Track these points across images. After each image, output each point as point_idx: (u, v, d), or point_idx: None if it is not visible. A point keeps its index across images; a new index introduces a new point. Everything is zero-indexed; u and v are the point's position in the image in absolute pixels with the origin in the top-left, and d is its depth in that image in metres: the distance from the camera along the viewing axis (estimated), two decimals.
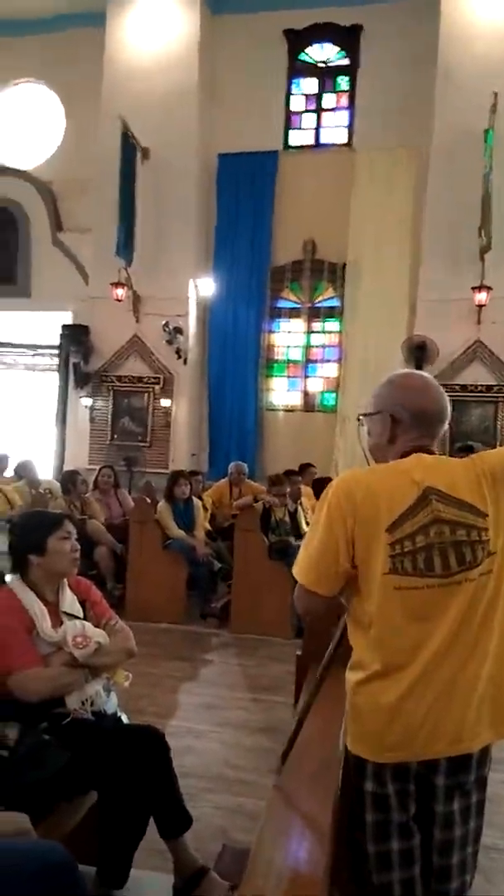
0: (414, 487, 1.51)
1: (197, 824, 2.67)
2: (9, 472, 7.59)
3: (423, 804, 1.55)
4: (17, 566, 2.29)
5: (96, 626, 2.33)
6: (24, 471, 6.92)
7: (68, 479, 6.40)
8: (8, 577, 2.30)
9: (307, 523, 6.14)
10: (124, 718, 2.39)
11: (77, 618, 2.26)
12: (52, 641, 2.17)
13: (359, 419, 1.75)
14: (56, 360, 10.62)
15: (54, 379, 10.54)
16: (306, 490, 6.87)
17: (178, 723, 3.81)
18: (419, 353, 8.92)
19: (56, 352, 10.50)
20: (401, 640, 1.50)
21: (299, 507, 6.16)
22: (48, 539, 2.27)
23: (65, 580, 2.35)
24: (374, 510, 1.50)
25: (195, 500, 6.34)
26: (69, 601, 2.31)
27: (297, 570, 1.62)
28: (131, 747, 2.16)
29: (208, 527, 6.61)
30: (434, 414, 1.64)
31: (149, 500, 6.25)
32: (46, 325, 10.40)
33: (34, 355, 11.66)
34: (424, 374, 1.78)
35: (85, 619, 2.32)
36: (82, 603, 2.36)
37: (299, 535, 5.96)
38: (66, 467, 9.44)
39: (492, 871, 2.57)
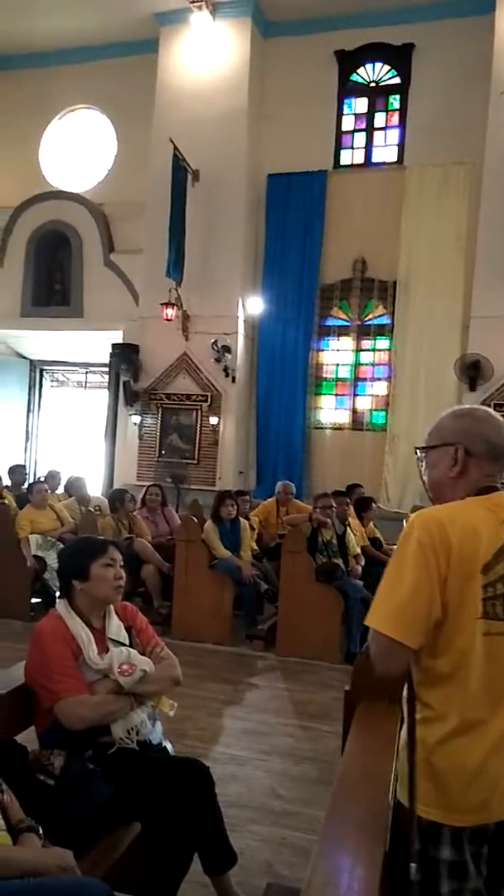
0: (502, 526, 1.46)
1: (241, 857, 2.61)
2: (60, 490, 7.74)
3: (493, 866, 1.48)
4: (63, 591, 2.30)
5: (142, 652, 2.31)
6: (73, 488, 7.03)
7: (116, 498, 6.46)
8: (58, 603, 2.31)
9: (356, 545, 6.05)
10: (170, 748, 2.35)
11: (123, 644, 2.25)
12: (99, 668, 2.16)
13: (417, 451, 1.68)
14: (106, 378, 10.81)
15: (104, 396, 10.73)
16: (351, 511, 6.77)
17: (221, 749, 3.75)
18: (473, 371, 8.75)
19: (106, 370, 10.69)
20: (484, 692, 1.43)
21: (347, 529, 6.06)
22: (91, 565, 2.26)
23: (111, 606, 2.34)
24: (470, 549, 1.43)
25: (242, 520, 6.31)
26: (115, 627, 2.30)
27: (378, 621, 1.44)
28: (176, 780, 2.12)
29: (255, 547, 6.56)
30: (501, 449, 1.59)
31: (195, 520, 6.24)
32: (98, 344, 10.61)
33: (86, 373, 11.93)
34: (490, 410, 1.70)
35: (131, 645, 2.30)
36: (128, 629, 2.35)
37: (346, 557, 5.87)
38: (115, 484, 9.56)
39: None
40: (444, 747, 1.45)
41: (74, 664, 2.15)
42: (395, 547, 1.56)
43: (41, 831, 1.76)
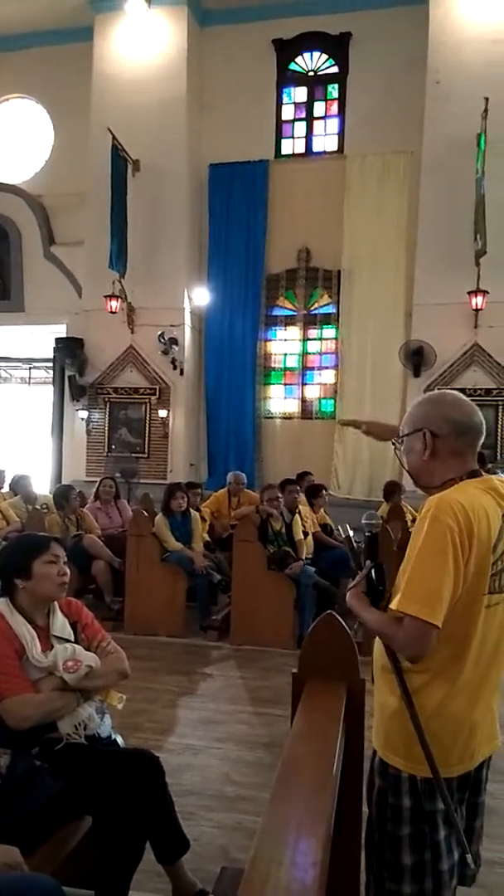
0: (499, 508, 1.59)
1: (196, 844, 2.63)
2: (5, 488, 7.57)
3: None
4: (4, 590, 2.26)
5: (88, 647, 2.29)
6: (18, 487, 6.89)
7: (62, 494, 6.36)
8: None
9: (305, 533, 6.11)
10: (119, 741, 2.34)
11: (68, 641, 2.23)
12: (43, 666, 2.13)
13: (394, 443, 1.78)
14: (51, 374, 10.62)
15: (50, 392, 10.54)
16: (303, 499, 6.84)
17: (176, 739, 3.76)
18: (416, 358, 8.93)
19: (50, 365, 10.50)
20: (476, 656, 1.56)
21: (296, 517, 6.12)
22: (34, 563, 2.23)
23: (55, 603, 2.31)
24: (485, 532, 1.53)
25: (193, 511, 6.31)
26: (60, 624, 2.27)
27: (415, 606, 1.47)
28: (125, 772, 2.12)
29: (207, 538, 6.57)
30: (474, 425, 1.67)
31: (146, 513, 6.21)
32: (41, 339, 10.42)
33: (29, 369, 11.69)
34: (455, 392, 1.78)
35: (77, 641, 2.28)
36: (73, 625, 2.32)
37: (293, 544, 5.92)
38: (64, 480, 9.42)
39: (498, 887, 2.53)
40: (441, 710, 1.56)
41: (17, 663, 2.12)
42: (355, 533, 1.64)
43: None
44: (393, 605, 1.53)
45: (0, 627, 2.16)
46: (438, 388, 8.81)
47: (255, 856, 1.39)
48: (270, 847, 1.45)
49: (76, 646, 2.21)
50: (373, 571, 1.74)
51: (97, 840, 2.11)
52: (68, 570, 2.32)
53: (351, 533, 6.58)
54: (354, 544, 6.27)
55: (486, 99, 8.17)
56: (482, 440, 1.69)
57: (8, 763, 2.03)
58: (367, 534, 1.90)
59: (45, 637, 2.21)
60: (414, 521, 1.84)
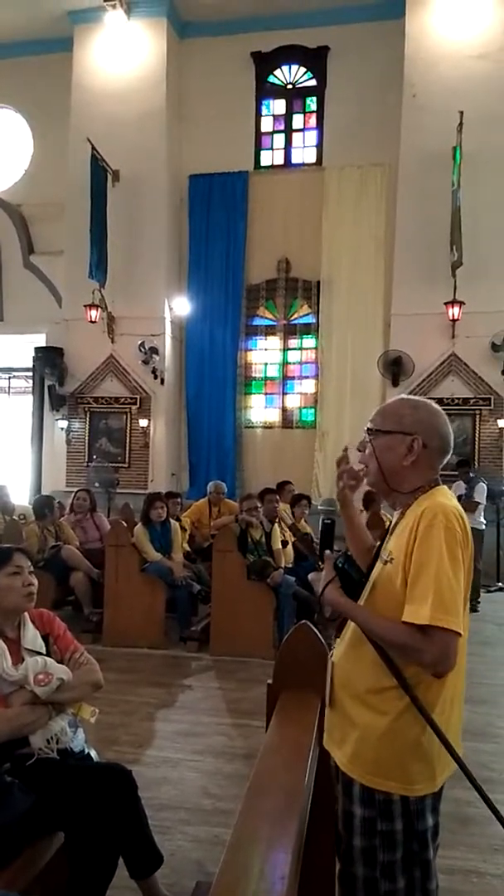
0: None
1: (172, 859, 2.61)
2: None
3: None
4: None
5: (61, 659, 2.26)
6: None
7: (42, 505, 6.30)
8: None
9: (284, 542, 6.11)
10: (93, 755, 2.32)
11: (39, 654, 2.20)
12: (13, 680, 2.10)
13: (371, 431, 1.69)
14: (30, 383, 10.55)
15: (29, 402, 10.46)
16: (284, 507, 6.84)
17: (153, 752, 3.72)
18: (395, 367, 9.01)
19: (30, 374, 10.44)
20: (462, 664, 1.56)
21: (275, 527, 6.11)
22: None
23: (26, 615, 2.28)
24: (470, 538, 1.57)
25: (173, 521, 6.28)
26: (31, 636, 2.24)
27: (446, 617, 1.43)
28: (97, 787, 2.09)
29: (187, 548, 6.54)
30: (451, 446, 1.69)
31: (125, 524, 6.17)
32: (20, 348, 10.36)
33: (9, 378, 11.59)
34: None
35: (49, 653, 2.25)
36: (45, 637, 2.30)
37: (273, 553, 5.91)
38: (44, 490, 9.35)
39: None
40: (438, 719, 1.52)
41: None
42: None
43: None
44: (420, 619, 1.45)
45: None
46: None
47: (223, 869, 1.38)
48: (240, 860, 1.44)
49: (47, 658, 2.18)
50: (345, 564, 1.69)
51: (69, 856, 2.09)
52: (35, 581, 2.28)
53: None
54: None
55: (461, 113, 8.31)
56: None
57: None
58: (323, 521, 1.83)
59: (16, 650, 2.18)
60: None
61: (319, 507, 1.87)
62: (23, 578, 2.22)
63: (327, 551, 1.75)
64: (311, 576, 1.78)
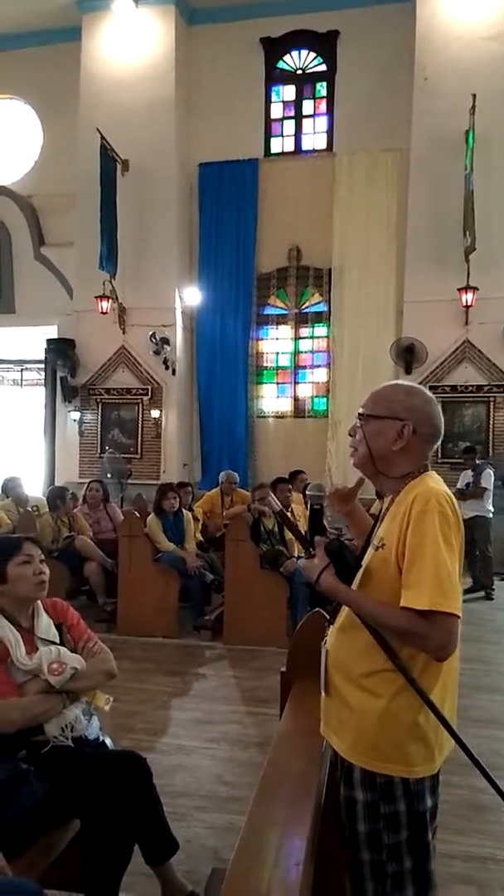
0: None
1: (188, 845, 2.62)
2: None
3: None
4: None
5: (74, 648, 2.27)
6: (9, 489, 6.85)
7: (55, 496, 6.33)
8: None
9: (291, 527, 6.09)
10: (108, 742, 2.33)
11: (53, 643, 2.21)
12: (28, 669, 2.11)
13: (361, 416, 1.69)
14: (42, 375, 10.59)
15: (42, 393, 10.51)
16: (297, 497, 6.83)
17: (169, 740, 3.74)
18: (408, 355, 8.94)
19: (42, 366, 10.47)
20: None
21: (288, 516, 6.10)
22: (7, 566, 2.20)
23: (39, 604, 2.29)
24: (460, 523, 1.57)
25: (185, 511, 6.29)
26: (45, 626, 2.25)
27: (446, 602, 1.44)
28: (112, 774, 2.10)
29: (200, 538, 6.56)
30: (441, 434, 1.70)
31: (137, 514, 6.19)
32: (32, 340, 10.38)
33: (21, 370, 11.65)
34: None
35: (62, 642, 2.26)
36: (59, 626, 2.30)
37: (285, 542, 5.90)
38: (57, 482, 9.39)
39: (487, 883, 2.52)
40: (437, 701, 1.53)
41: (2, 667, 2.10)
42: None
43: None
44: (421, 604, 1.45)
45: None
46: (429, 386, 8.85)
47: (237, 856, 1.38)
48: (254, 847, 1.44)
49: (61, 647, 2.19)
50: (340, 548, 1.67)
51: (85, 843, 2.10)
52: (46, 569, 2.28)
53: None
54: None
55: (474, 95, 8.19)
56: None
57: None
58: (312, 507, 1.81)
59: (29, 639, 2.19)
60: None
61: (308, 493, 1.84)
62: (34, 567, 2.22)
63: (318, 537, 1.72)
64: (301, 562, 1.77)
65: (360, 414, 1.70)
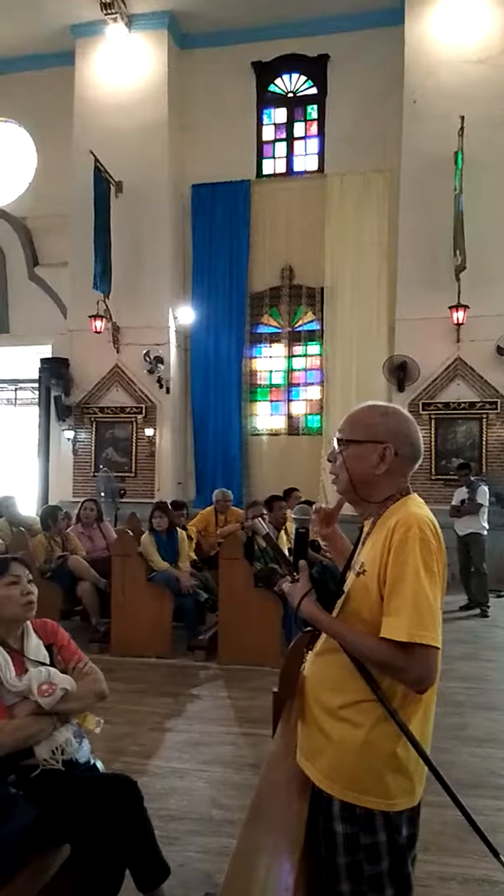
0: None
1: (181, 870, 2.58)
2: None
3: None
4: None
5: (65, 669, 2.25)
6: (3, 508, 6.83)
7: (48, 515, 6.31)
8: None
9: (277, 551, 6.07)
10: (99, 765, 2.30)
11: (43, 664, 2.19)
12: (17, 690, 2.10)
13: (340, 441, 1.65)
14: (36, 394, 10.59)
15: (35, 413, 10.50)
16: (290, 515, 6.82)
17: (161, 763, 3.70)
18: (401, 373, 8.99)
19: (36, 385, 10.48)
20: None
21: (282, 534, 6.09)
22: None
23: (28, 625, 2.27)
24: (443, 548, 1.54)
25: (179, 530, 6.27)
26: (34, 647, 2.23)
27: (424, 633, 1.40)
28: (103, 798, 2.08)
29: (194, 556, 6.53)
30: (421, 454, 1.66)
31: (131, 533, 6.17)
32: (26, 360, 10.40)
33: (15, 390, 11.65)
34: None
35: (52, 663, 2.24)
36: (49, 647, 2.29)
37: (278, 561, 5.87)
38: (51, 501, 9.36)
39: None
40: (416, 733, 1.50)
41: None
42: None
43: None
44: (399, 635, 1.42)
45: None
46: (422, 403, 8.89)
47: (227, 882, 1.37)
48: (243, 872, 1.42)
49: (51, 669, 2.17)
50: (322, 574, 1.66)
51: (76, 868, 2.07)
52: (34, 590, 2.26)
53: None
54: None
55: (462, 117, 8.32)
56: None
57: None
58: (297, 530, 1.77)
59: (19, 660, 2.17)
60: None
61: (293, 516, 1.83)
62: (21, 588, 2.21)
63: (302, 561, 1.69)
64: (285, 587, 1.72)
65: (338, 439, 1.66)
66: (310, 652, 1.73)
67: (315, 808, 1.60)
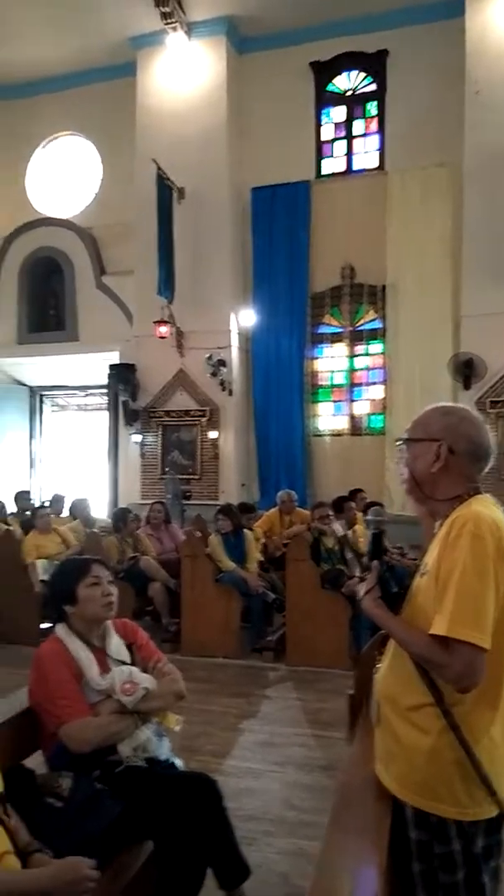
0: None
1: (258, 870, 2.61)
2: (65, 513, 7.77)
3: None
4: (58, 617, 2.31)
5: (144, 668, 2.31)
6: (77, 510, 7.05)
7: (119, 517, 6.48)
8: (57, 627, 2.32)
9: (356, 551, 6.04)
10: (178, 763, 2.35)
11: (124, 663, 2.26)
12: (101, 689, 2.17)
13: (400, 442, 1.69)
14: (105, 399, 10.87)
15: (105, 418, 10.78)
16: (359, 516, 6.78)
17: (235, 762, 3.75)
18: (466, 370, 8.79)
19: (105, 391, 10.76)
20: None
21: (351, 534, 6.06)
22: (77, 588, 2.26)
23: (109, 624, 2.34)
24: None
25: (246, 532, 6.32)
26: (115, 646, 2.30)
27: (468, 631, 1.39)
28: (184, 795, 2.12)
29: (260, 557, 6.57)
30: (489, 453, 1.64)
31: (199, 534, 6.26)
32: (95, 366, 10.69)
33: (85, 396, 12.00)
34: (472, 411, 1.72)
35: (132, 662, 2.31)
36: (129, 646, 2.36)
37: (345, 561, 5.84)
38: (120, 503, 9.59)
39: None
40: (483, 739, 1.47)
41: (76, 687, 2.16)
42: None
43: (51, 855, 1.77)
44: (440, 630, 1.42)
45: (59, 651, 2.21)
46: (490, 401, 8.66)
47: (314, 884, 1.38)
48: (329, 876, 1.44)
49: (132, 668, 2.24)
50: (386, 573, 1.66)
51: (158, 865, 2.12)
52: (114, 590, 2.32)
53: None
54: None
55: None
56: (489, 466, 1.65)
57: (70, 786, 2.06)
58: (372, 532, 1.79)
59: (102, 659, 2.25)
60: None
61: (367, 518, 1.82)
62: (102, 588, 2.28)
63: (374, 561, 1.71)
64: (352, 584, 1.78)
65: (401, 440, 1.69)
66: (382, 655, 1.74)
67: (393, 813, 1.60)
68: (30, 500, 8.74)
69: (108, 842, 2.03)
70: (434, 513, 1.66)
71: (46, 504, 7.80)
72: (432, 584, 1.51)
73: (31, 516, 7.05)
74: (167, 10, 9.56)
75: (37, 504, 8.62)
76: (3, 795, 1.74)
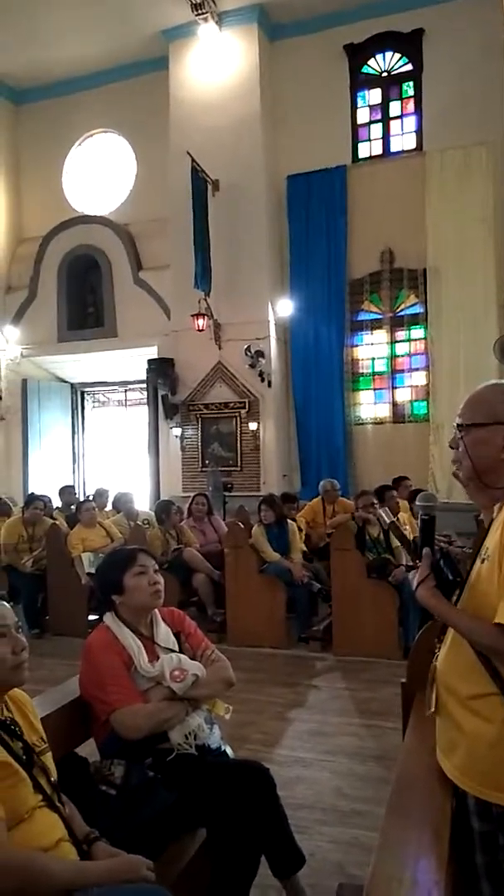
0: None
1: (312, 859, 2.59)
2: (108, 507, 7.85)
3: None
4: (106, 607, 2.32)
5: (192, 657, 2.31)
6: (121, 504, 7.11)
7: (162, 510, 6.52)
8: (106, 616, 2.33)
9: (403, 540, 5.93)
10: (229, 751, 2.34)
11: (173, 651, 2.25)
12: (151, 676, 2.17)
13: (461, 426, 1.59)
14: (145, 394, 10.95)
15: (145, 412, 10.87)
16: (402, 504, 6.68)
17: (285, 752, 3.73)
18: None
19: (144, 386, 10.83)
20: None
21: (399, 528, 5.96)
22: (124, 577, 2.27)
23: (156, 613, 2.35)
24: None
25: (289, 522, 6.29)
26: (164, 634, 2.30)
27: None
28: (237, 784, 2.11)
29: (304, 548, 6.53)
30: None
31: (242, 525, 6.25)
32: (134, 362, 10.77)
33: (125, 391, 12.12)
34: None
35: (180, 650, 2.31)
36: (176, 634, 2.35)
37: (392, 550, 5.75)
38: (162, 496, 9.65)
39: None
40: None
41: (126, 674, 2.16)
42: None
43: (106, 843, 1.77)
44: (499, 616, 1.38)
45: (108, 640, 2.22)
46: None
47: (374, 873, 1.35)
48: (390, 865, 1.40)
49: (181, 655, 2.23)
50: (441, 561, 1.60)
51: (212, 852, 2.11)
52: (161, 579, 2.34)
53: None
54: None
55: None
56: None
57: (122, 774, 2.07)
58: (422, 517, 1.72)
59: (150, 647, 2.25)
60: None
61: (417, 504, 1.76)
62: (148, 577, 2.29)
63: (426, 548, 1.65)
64: (410, 573, 1.71)
65: (458, 424, 1.59)
66: (441, 642, 1.68)
67: (454, 802, 1.55)
68: (74, 494, 8.87)
69: (161, 829, 2.03)
70: (494, 499, 1.58)
71: (90, 498, 7.89)
72: (495, 569, 1.45)
73: (76, 511, 7.14)
74: (198, 0, 9.52)
75: (81, 498, 8.75)
76: (57, 784, 1.74)
